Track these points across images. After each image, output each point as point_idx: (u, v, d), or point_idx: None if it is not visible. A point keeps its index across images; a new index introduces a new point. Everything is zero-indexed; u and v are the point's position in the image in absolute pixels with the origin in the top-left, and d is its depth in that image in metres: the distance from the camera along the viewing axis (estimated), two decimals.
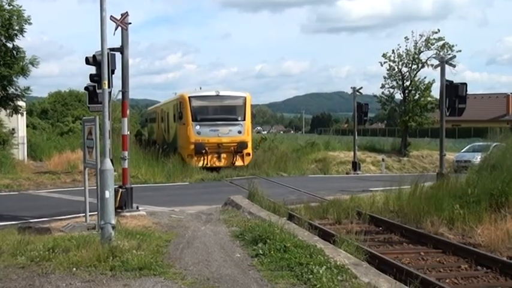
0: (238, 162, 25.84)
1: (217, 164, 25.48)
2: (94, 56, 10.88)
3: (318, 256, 7.32)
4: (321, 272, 6.59)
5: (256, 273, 7.05)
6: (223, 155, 25.66)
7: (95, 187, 9.34)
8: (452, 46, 30.33)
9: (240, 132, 25.81)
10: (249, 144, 26.36)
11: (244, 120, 26.12)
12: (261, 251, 7.96)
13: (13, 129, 28.37)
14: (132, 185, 12.65)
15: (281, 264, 7.23)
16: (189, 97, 26.02)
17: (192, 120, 25.45)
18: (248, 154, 26.29)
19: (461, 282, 8.45)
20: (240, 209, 12.55)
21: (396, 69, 31.71)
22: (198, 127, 25.34)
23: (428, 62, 30.21)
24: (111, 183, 8.80)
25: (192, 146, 25.16)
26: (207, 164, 25.18)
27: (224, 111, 26.26)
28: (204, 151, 25.02)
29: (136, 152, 25.49)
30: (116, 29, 11.47)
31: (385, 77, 32.44)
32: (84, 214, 10.51)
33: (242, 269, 7.28)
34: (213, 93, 26.49)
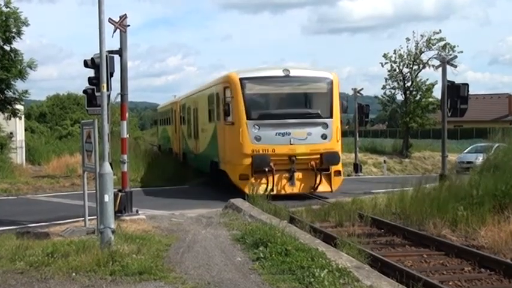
0: (323, 187, 16.55)
1: (289, 190, 16.23)
2: (92, 58, 10.85)
3: (320, 259, 7.25)
4: (322, 275, 6.53)
5: (258, 277, 6.98)
6: (299, 175, 16.32)
7: (94, 191, 9.28)
8: (454, 46, 30.39)
9: (324, 136, 16.53)
10: (339, 156, 16.88)
11: (330, 117, 16.73)
12: (262, 255, 7.88)
13: (11, 133, 28.30)
14: (132, 189, 12.61)
15: (282, 268, 7.15)
16: (240, 79, 16.53)
17: (247, 118, 16.23)
18: (338, 173, 16.91)
19: (465, 284, 8.36)
20: (241, 212, 12.47)
21: (397, 70, 31.74)
22: (256, 129, 16.21)
23: (430, 62, 30.26)
24: (110, 187, 8.73)
25: (248, 161, 16.03)
26: (272, 189, 15.78)
27: (298, 103, 17.32)
28: (267, 169, 15.87)
29: (136, 156, 25.30)
30: (114, 32, 11.44)
31: (386, 78, 32.50)
32: (83, 218, 10.48)
33: (243, 273, 7.21)
34: (280, 72, 16.94)
